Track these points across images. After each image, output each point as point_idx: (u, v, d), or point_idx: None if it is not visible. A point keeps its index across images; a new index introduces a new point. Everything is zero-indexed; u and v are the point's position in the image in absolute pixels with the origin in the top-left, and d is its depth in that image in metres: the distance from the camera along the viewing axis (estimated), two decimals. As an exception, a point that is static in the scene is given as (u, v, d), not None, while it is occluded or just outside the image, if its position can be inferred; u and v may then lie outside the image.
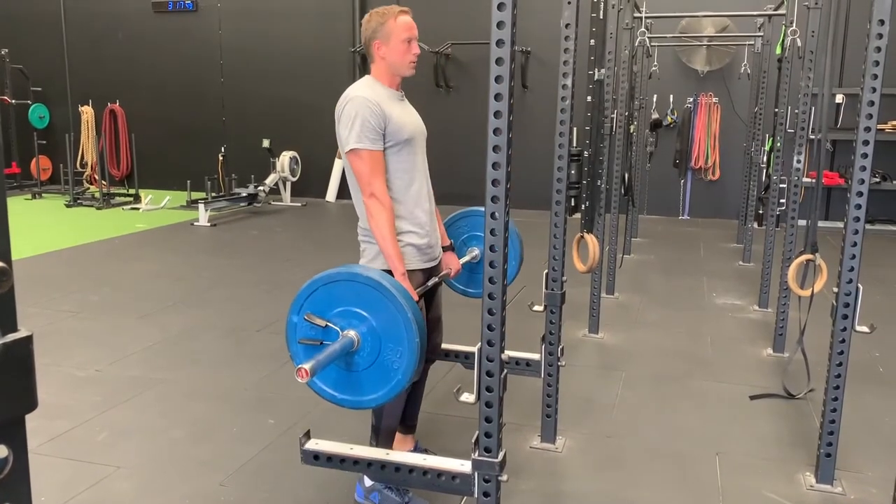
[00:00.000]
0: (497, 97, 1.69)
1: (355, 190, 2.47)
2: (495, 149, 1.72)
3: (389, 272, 2.41)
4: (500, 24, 1.65)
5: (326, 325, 1.88)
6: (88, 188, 10.45)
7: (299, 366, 1.73)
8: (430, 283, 2.58)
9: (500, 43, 1.66)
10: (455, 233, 2.92)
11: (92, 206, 9.29)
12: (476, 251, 2.98)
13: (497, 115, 1.70)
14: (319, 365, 1.78)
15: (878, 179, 7.89)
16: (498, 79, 1.68)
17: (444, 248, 2.79)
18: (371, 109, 2.33)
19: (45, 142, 10.83)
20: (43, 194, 10.16)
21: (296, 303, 1.92)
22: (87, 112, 10.89)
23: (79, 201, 9.48)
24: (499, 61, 1.67)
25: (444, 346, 3.01)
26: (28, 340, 0.72)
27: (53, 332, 4.38)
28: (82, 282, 5.64)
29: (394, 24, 2.39)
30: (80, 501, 2.57)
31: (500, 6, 1.64)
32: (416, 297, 2.39)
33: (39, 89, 10.94)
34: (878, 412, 3.35)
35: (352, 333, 1.87)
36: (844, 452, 2.76)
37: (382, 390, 1.90)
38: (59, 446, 2.97)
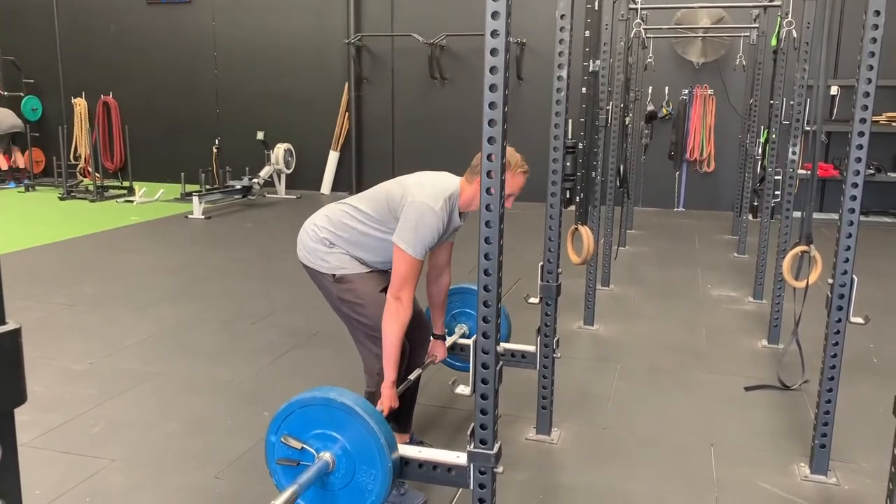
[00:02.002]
0: (492, 88, 1.67)
1: (353, 213, 2.54)
2: (490, 140, 1.71)
3: (335, 278, 2.50)
4: (494, 15, 1.64)
5: (302, 448, 1.92)
6: (82, 181, 10.41)
7: (271, 503, 1.77)
8: (412, 376, 2.65)
9: (495, 33, 1.65)
10: (446, 307, 2.92)
11: (85, 198, 9.25)
12: (465, 328, 3.06)
13: (492, 106, 1.69)
14: (298, 492, 1.83)
15: (872, 171, 7.90)
16: (493, 69, 1.67)
17: (436, 337, 2.84)
18: (438, 229, 2.39)
19: (37, 134, 10.78)
20: (36, 187, 10.12)
21: (273, 423, 1.97)
22: (80, 104, 10.84)
23: (72, 194, 9.43)
24: (494, 52, 1.66)
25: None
26: (16, 334, 0.71)
27: (47, 325, 4.37)
28: (76, 274, 5.62)
29: (510, 177, 2.31)
30: (75, 495, 2.56)
31: (495, -4, 1.63)
32: (395, 405, 2.45)
33: (32, 81, 10.88)
34: (872, 403, 3.36)
35: (327, 455, 1.91)
36: (839, 443, 2.77)
37: None
38: (53, 439, 2.96)
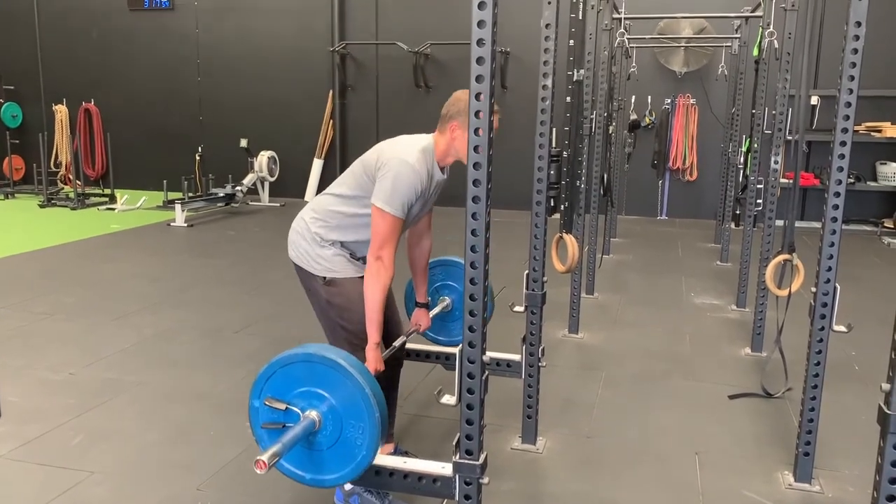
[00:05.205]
0: (478, 97, 1.67)
1: (337, 197, 2.48)
2: (476, 149, 1.71)
3: (326, 280, 2.46)
4: (480, 23, 1.64)
5: (287, 408, 1.87)
6: (63, 188, 10.30)
7: (257, 458, 1.71)
8: (397, 343, 2.61)
9: (480, 42, 1.65)
10: (429, 279, 2.91)
11: (66, 206, 9.15)
12: (447, 301, 3.02)
13: (477, 115, 1.69)
14: (284, 449, 1.78)
15: (852, 180, 7.99)
16: (479, 78, 1.66)
17: (419, 305, 2.82)
18: (417, 187, 2.34)
19: (17, 141, 10.67)
20: (16, 194, 10.00)
21: (255, 387, 1.91)
22: (61, 111, 10.73)
23: (53, 201, 9.33)
24: (479, 60, 1.66)
25: (425, 347, 3.00)
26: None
27: (27, 334, 4.31)
28: (56, 283, 5.55)
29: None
30: (53, 508, 2.52)
31: (481, 5, 1.63)
32: (381, 367, 2.40)
33: (12, 87, 10.77)
34: (854, 411, 3.39)
35: (313, 414, 1.87)
36: (822, 451, 2.78)
37: (348, 467, 1.88)
38: (31, 451, 2.91)
